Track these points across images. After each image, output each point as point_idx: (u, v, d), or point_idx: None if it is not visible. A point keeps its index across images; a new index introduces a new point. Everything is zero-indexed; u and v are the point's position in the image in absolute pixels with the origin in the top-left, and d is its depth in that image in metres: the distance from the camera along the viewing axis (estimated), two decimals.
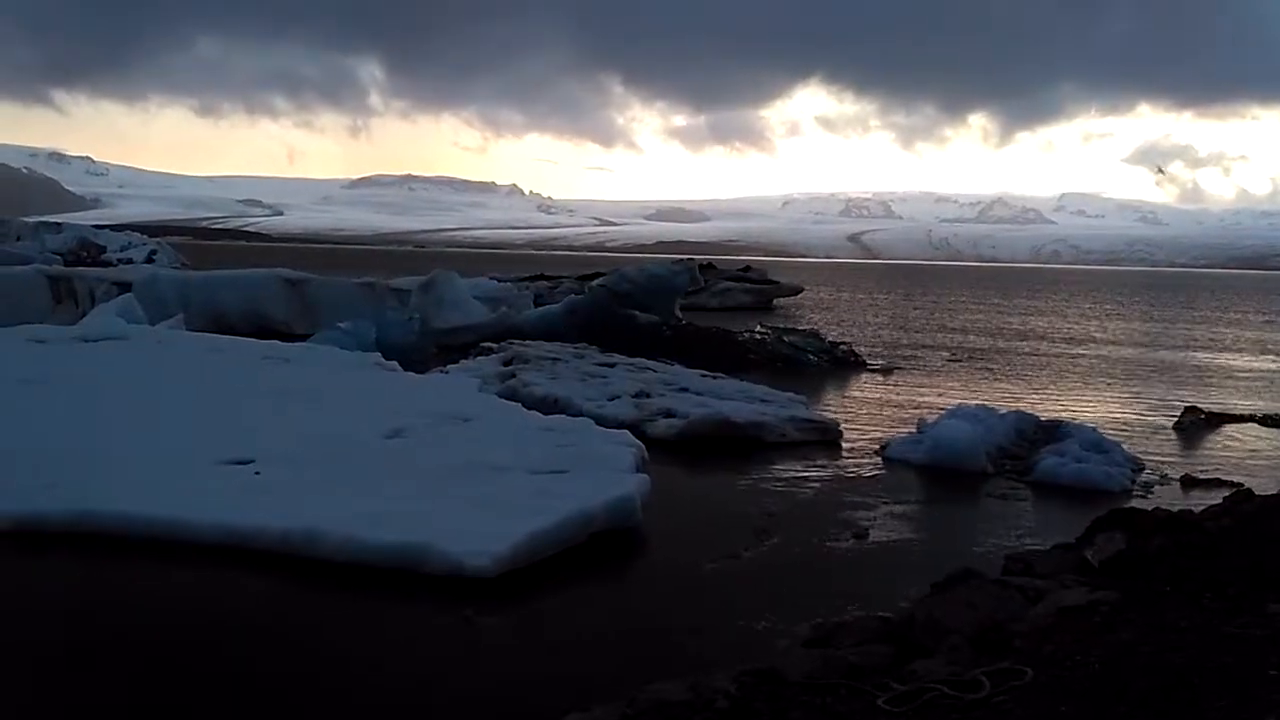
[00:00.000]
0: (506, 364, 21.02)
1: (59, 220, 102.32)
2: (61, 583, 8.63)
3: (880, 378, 24.54)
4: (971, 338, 38.08)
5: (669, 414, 16.00)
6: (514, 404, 15.83)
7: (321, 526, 8.97)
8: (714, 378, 20.18)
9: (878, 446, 15.28)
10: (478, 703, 6.58)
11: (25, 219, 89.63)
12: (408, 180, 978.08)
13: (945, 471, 13.71)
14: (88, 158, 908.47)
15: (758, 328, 29.42)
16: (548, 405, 16.40)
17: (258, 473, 10.77)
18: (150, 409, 13.71)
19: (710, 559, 9.61)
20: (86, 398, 14.32)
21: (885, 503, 12.08)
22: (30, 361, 16.72)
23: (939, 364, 28.06)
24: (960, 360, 29.12)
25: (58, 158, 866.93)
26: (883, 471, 13.93)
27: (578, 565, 9.16)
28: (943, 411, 16.42)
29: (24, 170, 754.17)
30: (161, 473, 10.64)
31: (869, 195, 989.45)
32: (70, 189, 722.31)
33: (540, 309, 30.76)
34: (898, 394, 21.79)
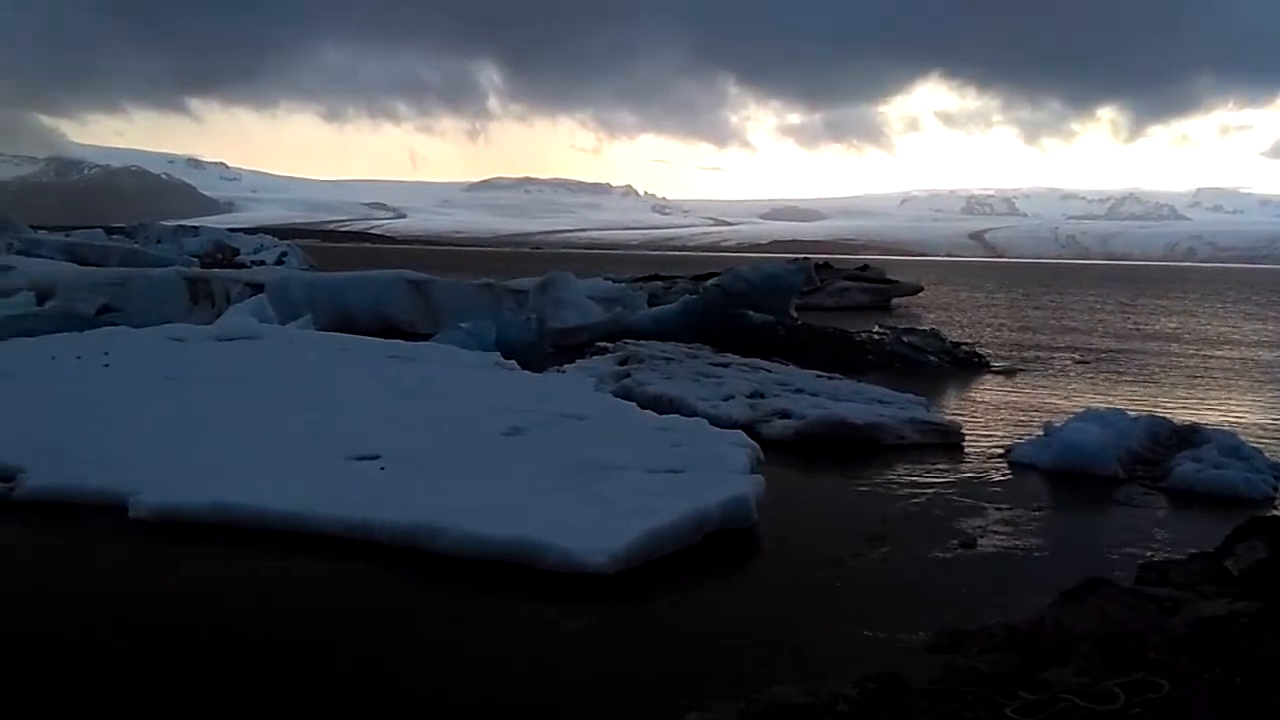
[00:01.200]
0: (621, 364, 21.16)
1: (196, 224, 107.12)
2: (197, 572, 9.00)
3: (1004, 379, 23.89)
4: (1099, 339, 36.77)
5: (784, 415, 15.87)
6: (629, 403, 15.91)
7: (442, 521, 9.17)
8: (830, 378, 19.95)
9: (1002, 450, 14.87)
10: (595, 698, 6.63)
11: (165, 223, 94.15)
12: (525, 183, 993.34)
13: (1074, 476, 13.27)
14: (222, 163, 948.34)
15: (875, 328, 28.96)
16: (662, 405, 16.45)
17: (382, 468, 11.08)
18: (281, 406, 14.23)
19: (826, 561, 9.49)
20: (222, 394, 14.93)
21: (1010, 508, 11.75)
22: (171, 359, 17.53)
23: (1066, 365, 27.18)
24: (1088, 362, 28.14)
25: (194, 163, 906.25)
26: (1007, 476, 13.55)
27: (693, 565, 9.16)
28: (1070, 414, 15.89)
29: (163, 176, 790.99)
30: (291, 467, 11.04)
31: (992, 192, 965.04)
32: (206, 193, 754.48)
33: (655, 309, 30.87)
34: (1022, 396, 21.19)
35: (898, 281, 56.04)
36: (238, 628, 7.67)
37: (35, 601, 8.21)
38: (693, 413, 15.55)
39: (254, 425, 13.00)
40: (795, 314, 32.89)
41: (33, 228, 69.37)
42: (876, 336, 27.31)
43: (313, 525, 9.53)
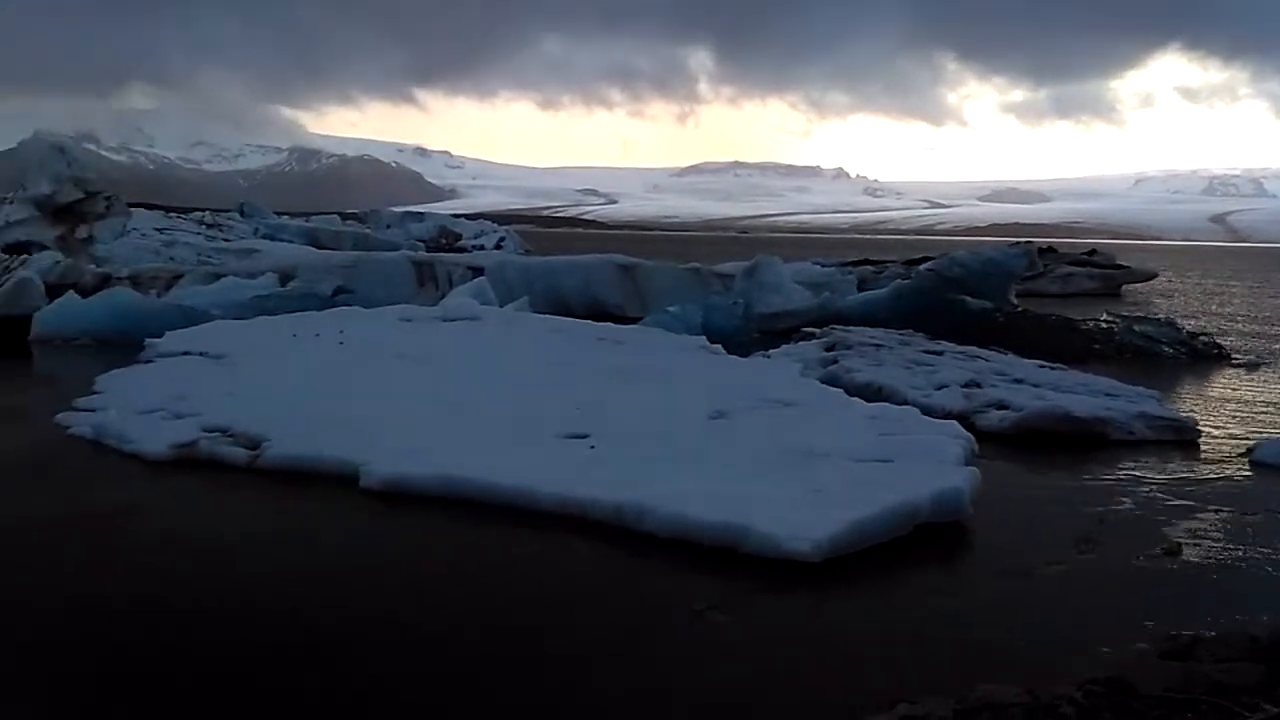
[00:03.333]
0: (828, 349, 20.84)
1: (422, 210, 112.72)
2: (421, 540, 9.55)
3: (1246, 373, 22.11)
4: None
5: (1001, 406, 15.24)
6: (836, 390, 15.68)
7: (649, 502, 9.34)
8: (1052, 368, 19.02)
9: (1243, 450, 13.78)
10: (802, 682, 6.61)
11: (394, 209, 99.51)
12: (734, 167, 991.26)
13: None
14: (446, 152, 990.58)
15: (1104, 316, 27.34)
16: (870, 393, 16.10)
17: (593, 447, 11.37)
18: (498, 383, 14.83)
19: (1044, 560, 9.09)
20: (446, 372, 15.71)
21: (1249, 511, 10.88)
22: (400, 338, 18.57)
23: None
24: None
25: (421, 152, 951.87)
26: (1248, 476, 12.56)
27: (901, 556, 8.96)
28: None
29: (393, 165, 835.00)
30: (508, 443, 11.50)
31: (1237, 172, 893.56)
32: (432, 181, 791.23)
33: (864, 294, 30.24)
34: (1267, 392, 19.56)
35: (1129, 267, 52.72)
36: (459, 592, 8.08)
37: (269, 563, 8.90)
38: (903, 401, 15.17)
39: (474, 401, 13.61)
40: (1015, 300, 31.51)
41: (276, 213, 74.79)
42: (1105, 325, 25.78)
43: (528, 500, 9.91)
